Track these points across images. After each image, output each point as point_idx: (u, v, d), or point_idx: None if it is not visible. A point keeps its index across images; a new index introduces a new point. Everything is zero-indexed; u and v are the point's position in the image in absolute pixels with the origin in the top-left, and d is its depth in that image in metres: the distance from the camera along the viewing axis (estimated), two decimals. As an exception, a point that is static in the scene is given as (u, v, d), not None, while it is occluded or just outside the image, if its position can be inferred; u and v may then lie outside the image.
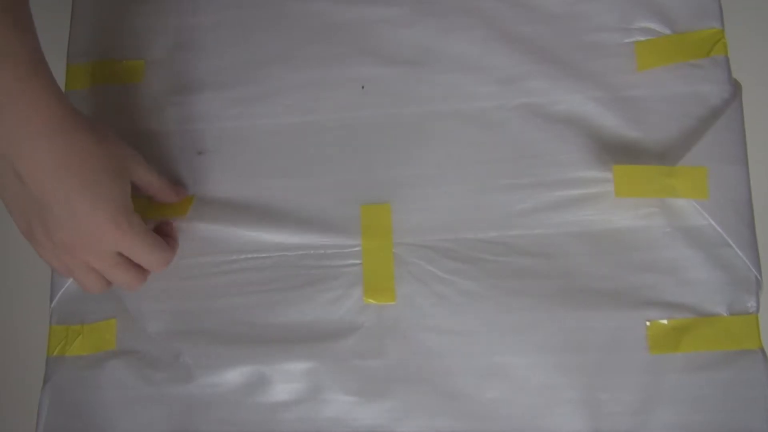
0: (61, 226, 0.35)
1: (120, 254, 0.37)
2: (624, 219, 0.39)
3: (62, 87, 0.45)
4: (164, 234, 0.40)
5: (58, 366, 0.41)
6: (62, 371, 0.41)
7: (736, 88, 0.39)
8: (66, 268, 0.37)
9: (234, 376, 0.39)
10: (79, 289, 0.42)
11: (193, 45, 0.44)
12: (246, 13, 0.44)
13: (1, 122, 0.33)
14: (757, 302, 0.38)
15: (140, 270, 0.39)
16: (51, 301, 0.42)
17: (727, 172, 0.38)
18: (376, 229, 0.40)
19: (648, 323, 0.37)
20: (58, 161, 0.34)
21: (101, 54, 0.45)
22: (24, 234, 0.37)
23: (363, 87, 0.42)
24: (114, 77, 0.45)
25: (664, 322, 0.37)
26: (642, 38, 0.40)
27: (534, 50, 0.41)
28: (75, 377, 0.41)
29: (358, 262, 0.40)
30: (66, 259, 0.36)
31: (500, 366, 0.38)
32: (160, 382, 0.40)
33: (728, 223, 0.38)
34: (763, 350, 0.37)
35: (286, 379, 0.39)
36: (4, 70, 0.32)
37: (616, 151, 0.39)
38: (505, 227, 0.40)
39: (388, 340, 0.39)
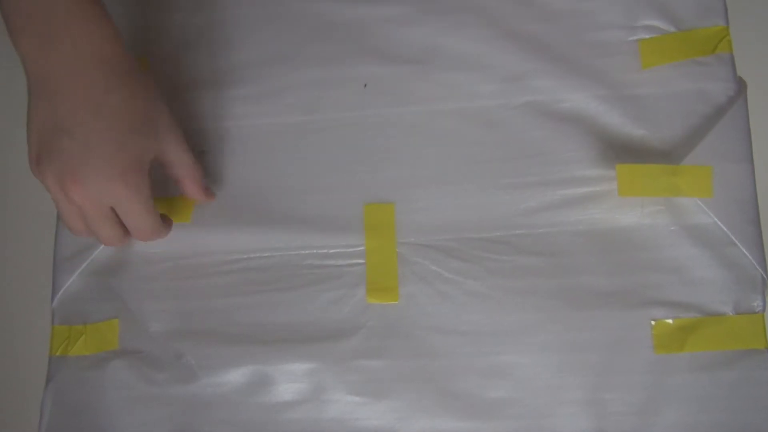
0: (71, 157, 0.33)
1: (112, 209, 0.36)
2: (629, 218, 0.38)
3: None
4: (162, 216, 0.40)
5: (61, 366, 0.41)
6: (65, 371, 0.41)
7: (741, 85, 0.39)
8: (57, 198, 0.35)
9: (236, 376, 0.39)
10: (82, 290, 0.42)
11: (196, 43, 0.44)
12: (248, 12, 0.44)
13: (60, 41, 0.33)
14: (764, 301, 0.38)
15: (124, 231, 0.37)
16: (52, 301, 0.42)
17: (732, 171, 0.38)
18: (380, 228, 0.40)
19: (653, 323, 0.37)
20: (99, 96, 0.34)
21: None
22: (31, 160, 0.35)
23: (365, 85, 0.42)
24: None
25: (670, 321, 0.37)
26: (646, 36, 0.40)
27: (538, 48, 0.41)
28: (77, 377, 0.41)
29: (361, 261, 0.40)
30: (58, 191, 0.35)
31: (504, 366, 0.38)
32: (163, 382, 0.40)
33: (733, 221, 0.38)
34: (769, 350, 0.37)
35: (289, 380, 0.39)
36: None
37: (620, 150, 0.39)
38: (509, 226, 0.39)
39: (392, 340, 0.39)
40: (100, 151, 0.34)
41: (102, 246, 0.42)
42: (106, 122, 0.34)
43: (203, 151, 0.42)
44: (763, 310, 0.37)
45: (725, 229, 0.38)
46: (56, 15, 0.33)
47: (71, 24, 0.33)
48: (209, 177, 0.42)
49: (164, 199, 0.42)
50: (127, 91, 0.35)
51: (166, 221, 0.39)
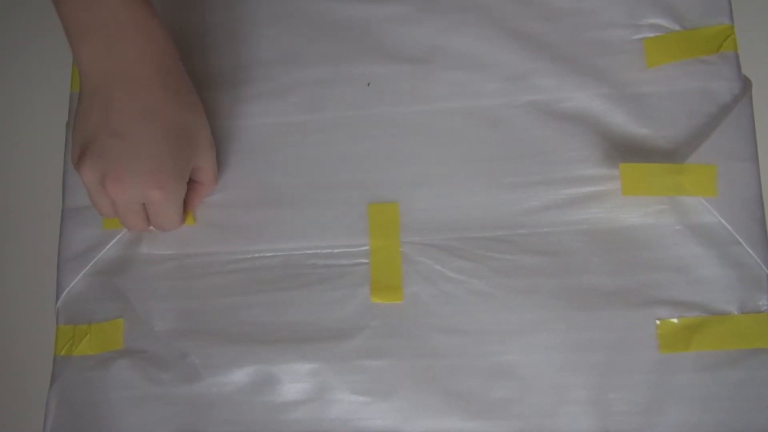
0: (118, 157, 0.35)
1: (142, 206, 0.38)
2: (633, 217, 0.38)
3: (68, 88, 0.46)
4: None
5: (65, 366, 0.41)
6: (69, 371, 0.41)
7: (745, 84, 0.39)
8: (93, 188, 0.37)
9: (240, 375, 0.39)
10: (86, 289, 0.42)
11: (199, 43, 0.44)
12: (252, 11, 0.44)
13: (124, 50, 0.35)
14: (769, 300, 0.37)
15: (147, 222, 0.40)
16: (56, 300, 0.42)
17: (736, 170, 0.38)
18: (384, 228, 0.40)
19: (658, 322, 0.37)
20: (155, 105, 0.36)
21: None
22: (74, 154, 0.37)
23: (369, 84, 0.42)
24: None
25: (675, 320, 0.37)
26: (651, 35, 0.40)
27: (541, 47, 0.41)
28: (82, 377, 0.41)
29: (365, 261, 0.40)
30: (96, 184, 0.37)
31: (508, 365, 0.38)
32: (167, 381, 0.40)
33: (738, 220, 0.38)
34: (775, 349, 0.37)
35: (293, 379, 0.39)
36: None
37: (624, 149, 0.39)
38: (512, 226, 0.39)
39: (395, 339, 0.39)
40: (148, 156, 0.36)
41: (107, 247, 0.42)
42: (159, 131, 0.36)
43: None
44: (769, 309, 0.37)
45: (730, 228, 0.38)
46: (121, 25, 0.35)
47: (137, 36, 0.36)
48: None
49: None
50: (179, 104, 0.37)
51: (184, 216, 0.41)
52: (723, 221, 0.38)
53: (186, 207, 0.41)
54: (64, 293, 0.42)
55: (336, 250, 0.40)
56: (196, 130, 0.38)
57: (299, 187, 0.41)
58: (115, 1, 0.35)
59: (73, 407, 0.40)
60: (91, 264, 0.42)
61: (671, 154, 0.39)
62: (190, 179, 0.40)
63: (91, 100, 0.36)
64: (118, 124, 0.35)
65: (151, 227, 0.41)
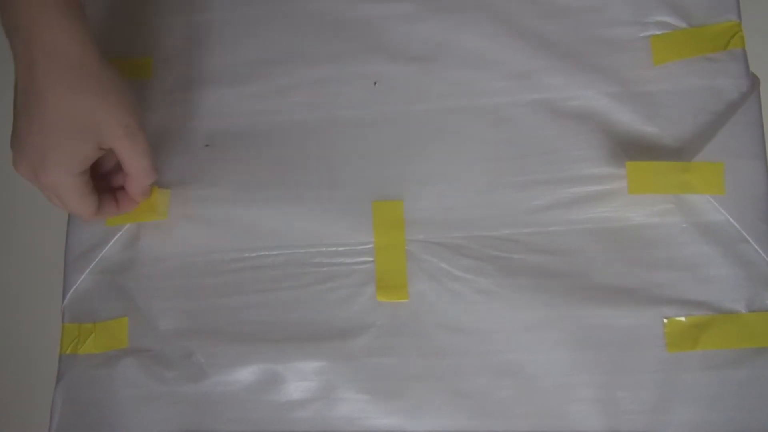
0: (13, 145, 0.36)
1: (83, 175, 0.36)
2: (640, 215, 0.38)
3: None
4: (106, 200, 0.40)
5: (71, 364, 0.41)
6: (75, 369, 0.41)
7: (753, 81, 0.39)
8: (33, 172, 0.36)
9: (246, 374, 0.39)
10: (91, 288, 0.42)
11: (202, 42, 0.44)
12: (256, 10, 0.44)
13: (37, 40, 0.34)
14: (776, 299, 0.37)
15: (92, 201, 0.38)
16: (63, 299, 0.42)
17: (744, 167, 0.38)
18: (389, 226, 0.40)
19: (665, 321, 0.37)
20: (46, 92, 0.35)
21: (110, 51, 0.45)
22: (15, 164, 0.37)
23: (375, 83, 0.42)
24: (122, 74, 0.44)
25: (682, 319, 0.37)
26: (658, 32, 0.40)
27: (547, 45, 0.41)
28: (87, 375, 0.41)
29: (370, 259, 0.40)
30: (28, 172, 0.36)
31: (515, 364, 0.38)
32: (172, 380, 0.40)
33: (746, 218, 0.37)
34: (783, 348, 0.37)
35: (299, 378, 0.39)
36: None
37: (631, 147, 0.39)
38: (518, 224, 0.39)
39: (401, 338, 0.39)
40: (32, 146, 0.35)
41: (110, 243, 0.42)
42: (44, 120, 0.35)
43: (209, 145, 0.42)
44: (776, 307, 0.37)
45: (737, 226, 0.37)
46: (33, 24, 0.34)
47: (45, 30, 0.34)
48: (217, 174, 0.42)
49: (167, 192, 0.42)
50: (74, 91, 0.35)
51: (104, 207, 0.39)
52: (730, 219, 0.37)
53: (128, 196, 0.40)
54: (70, 292, 0.42)
55: (341, 248, 0.40)
56: (99, 115, 0.35)
57: (304, 185, 0.41)
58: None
59: (78, 405, 0.40)
60: (95, 261, 0.42)
61: (678, 152, 0.39)
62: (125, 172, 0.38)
63: (29, 72, 0.36)
64: (15, 116, 0.36)
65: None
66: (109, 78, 0.36)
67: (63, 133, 0.35)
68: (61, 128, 0.35)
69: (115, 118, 0.36)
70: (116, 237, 0.42)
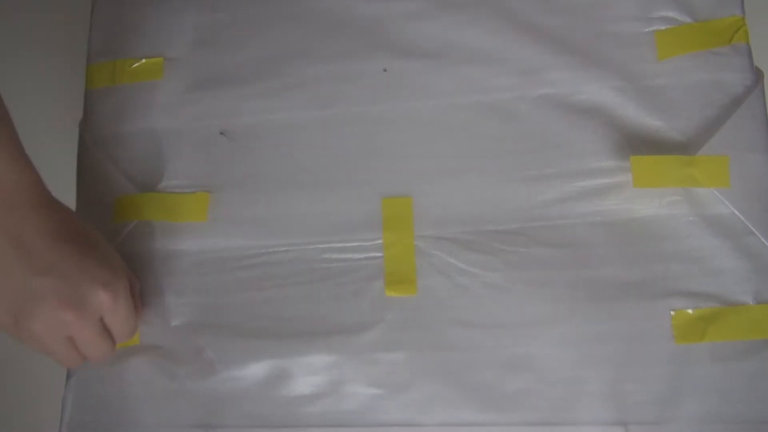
0: (53, 295, 0.34)
1: (101, 322, 0.36)
2: (647, 208, 0.38)
3: (83, 87, 0.46)
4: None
5: (82, 361, 0.41)
6: (86, 366, 0.41)
7: (757, 75, 0.39)
8: (48, 343, 0.35)
9: (256, 370, 0.39)
10: None
11: (212, 41, 0.44)
12: (264, 9, 0.44)
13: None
14: (784, 291, 0.37)
15: (113, 342, 0.38)
16: None
17: (749, 161, 0.38)
18: (397, 222, 0.40)
19: (673, 313, 0.37)
20: (43, 230, 0.34)
21: (121, 53, 0.46)
22: (5, 327, 0.35)
23: (385, 70, 0.42)
24: (133, 75, 0.45)
25: (690, 311, 0.37)
26: (662, 27, 0.40)
27: (553, 41, 0.41)
28: (99, 372, 0.41)
29: (379, 255, 0.40)
30: (47, 335, 0.35)
31: (524, 358, 0.38)
32: (183, 376, 0.40)
33: (752, 211, 0.38)
34: (790, 339, 0.37)
35: (309, 373, 0.39)
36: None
37: (637, 141, 0.39)
38: (526, 218, 0.39)
39: (410, 332, 0.39)
40: (69, 274, 0.34)
41: (119, 240, 0.42)
42: (60, 249, 0.34)
43: (224, 133, 0.43)
44: (784, 299, 0.37)
45: (743, 219, 0.38)
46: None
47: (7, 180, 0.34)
48: (227, 172, 0.42)
49: (180, 195, 0.42)
50: (65, 218, 0.35)
51: (137, 310, 0.39)
52: (736, 212, 0.38)
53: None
54: None
55: (350, 244, 0.40)
56: (88, 229, 0.37)
57: (313, 182, 0.41)
58: None
59: (90, 403, 0.40)
60: None
61: (684, 146, 0.39)
62: None
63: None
64: (33, 258, 0.34)
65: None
66: (65, 208, 0.37)
67: (101, 244, 0.36)
68: (96, 240, 0.36)
69: (99, 235, 0.37)
70: (126, 231, 0.42)
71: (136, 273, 0.41)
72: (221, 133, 0.43)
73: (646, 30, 0.40)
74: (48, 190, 0.36)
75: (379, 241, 0.40)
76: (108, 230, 0.42)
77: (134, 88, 0.45)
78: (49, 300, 0.34)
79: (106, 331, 0.37)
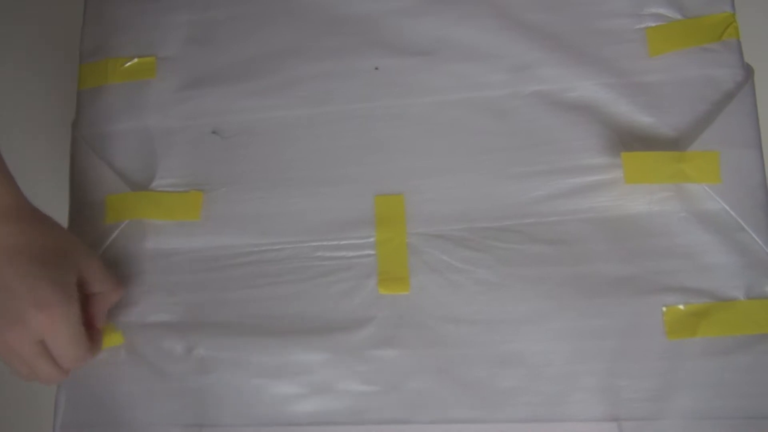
0: None
1: (43, 344, 0.35)
2: (639, 205, 0.39)
3: (75, 86, 0.46)
4: (90, 334, 0.38)
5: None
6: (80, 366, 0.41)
7: (748, 71, 0.39)
8: None
9: (249, 368, 0.39)
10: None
11: (205, 40, 0.44)
12: (257, 7, 0.44)
13: None
14: (775, 286, 0.37)
15: (57, 365, 0.37)
16: None
17: (740, 156, 0.38)
18: (390, 219, 0.40)
19: (665, 308, 0.37)
20: (6, 244, 0.35)
21: (113, 52, 0.45)
22: None
23: (376, 68, 0.42)
24: (126, 75, 0.45)
25: (681, 307, 0.37)
26: (653, 24, 0.40)
27: (545, 37, 0.41)
28: (91, 372, 0.41)
29: (372, 252, 0.40)
30: None
31: (517, 354, 0.38)
32: (175, 375, 0.40)
33: (742, 206, 0.38)
34: (782, 334, 0.37)
35: (302, 371, 0.39)
36: None
37: (629, 137, 0.39)
38: (519, 215, 0.39)
39: (403, 330, 0.39)
40: (19, 292, 0.34)
41: (109, 240, 0.42)
42: (17, 265, 0.34)
43: (216, 132, 0.43)
44: (775, 294, 0.37)
45: (734, 215, 0.38)
46: None
47: None
48: (220, 170, 0.42)
49: (173, 194, 0.42)
50: (32, 232, 0.36)
51: (95, 342, 0.39)
52: (727, 208, 0.38)
53: (94, 324, 0.39)
54: None
55: (342, 242, 0.40)
56: (61, 246, 0.36)
57: (305, 180, 0.41)
58: None
59: (83, 402, 0.40)
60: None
61: (675, 142, 0.39)
62: (87, 296, 0.38)
63: None
64: None
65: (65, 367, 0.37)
66: (50, 219, 0.37)
67: (45, 267, 0.35)
68: (41, 264, 0.35)
69: (78, 245, 0.37)
70: (117, 231, 0.42)
71: (128, 272, 0.41)
72: (213, 132, 0.43)
73: (638, 27, 0.41)
74: (27, 203, 0.36)
75: (372, 239, 0.40)
76: (100, 230, 0.42)
77: (126, 88, 0.45)
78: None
79: (47, 354, 0.36)
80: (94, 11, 0.46)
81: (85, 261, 0.37)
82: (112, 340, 0.40)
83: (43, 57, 0.63)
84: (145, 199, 0.42)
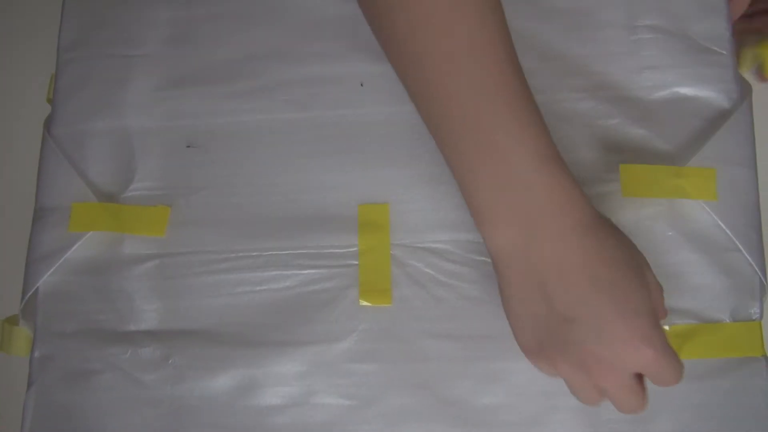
0: (582, 341, 0.30)
1: (634, 375, 0.32)
2: (629, 220, 0.38)
3: (43, 89, 0.44)
4: None
5: (43, 367, 0.40)
6: (47, 373, 0.40)
7: (745, 88, 0.39)
8: (574, 380, 0.32)
9: (224, 378, 0.38)
10: (66, 290, 0.40)
11: (186, 38, 0.43)
12: (240, 7, 0.43)
13: (542, 223, 0.30)
14: (761, 308, 0.37)
15: (645, 394, 0.33)
16: (21, 301, 0.40)
17: (735, 174, 0.37)
18: (374, 229, 0.39)
19: None
20: (587, 269, 0.30)
21: (92, 47, 0.44)
22: (526, 350, 0.33)
23: (362, 84, 0.41)
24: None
25: (666, 328, 0.37)
26: (648, 36, 0.39)
27: (537, 47, 0.40)
28: (61, 379, 0.40)
29: (354, 263, 0.39)
30: (579, 375, 0.32)
31: (498, 371, 0.37)
32: (149, 384, 0.39)
33: (736, 225, 0.37)
34: (766, 358, 0.36)
35: (278, 383, 0.38)
36: (518, 159, 0.30)
37: (622, 151, 0.39)
38: None
39: (384, 343, 0.38)
40: (613, 328, 0.30)
41: (77, 244, 0.40)
42: (607, 292, 0.30)
43: (190, 146, 0.41)
44: (761, 317, 0.37)
45: (729, 233, 0.37)
46: (535, 203, 0.30)
47: (551, 201, 0.31)
48: (199, 174, 0.41)
49: (139, 208, 0.41)
50: (611, 249, 0.31)
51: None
52: (722, 225, 0.37)
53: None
54: (29, 294, 0.40)
55: (324, 251, 0.39)
56: (634, 264, 0.32)
57: (287, 186, 0.40)
58: (527, 168, 0.30)
59: (52, 410, 0.39)
60: (56, 265, 0.40)
61: (669, 158, 0.38)
62: None
63: (519, 287, 0.32)
64: (565, 311, 0.31)
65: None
66: (613, 226, 0.33)
67: (631, 293, 0.30)
68: (626, 291, 0.30)
69: (641, 255, 0.33)
70: (81, 241, 0.40)
71: (99, 278, 0.40)
72: (188, 147, 0.41)
73: (632, 38, 0.40)
74: (593, 210, 0.32)
75: (355, 249, 0.39)
76: (63, 237, 0.41)
77: (104, 85, 0.43)
78: (579, 346, 0.30)
79: (638, 386, 0.32)
80: (73, 5, 0.45)
81: (648, 274, 0.32)
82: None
83: (12, 60, 0.61)
84: (110, 211, 0.40)
